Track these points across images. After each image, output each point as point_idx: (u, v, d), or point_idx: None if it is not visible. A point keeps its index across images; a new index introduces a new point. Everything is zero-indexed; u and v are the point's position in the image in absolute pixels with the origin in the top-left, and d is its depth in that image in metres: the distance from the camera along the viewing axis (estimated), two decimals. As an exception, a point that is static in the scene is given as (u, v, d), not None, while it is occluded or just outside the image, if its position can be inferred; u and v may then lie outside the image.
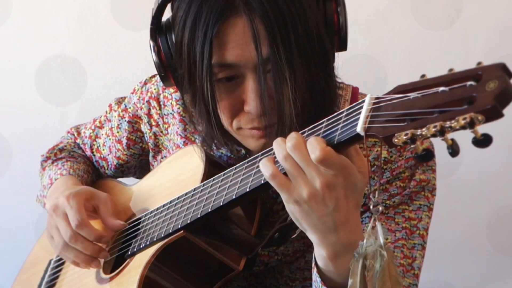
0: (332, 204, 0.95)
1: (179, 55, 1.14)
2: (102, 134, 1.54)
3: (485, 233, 2.46)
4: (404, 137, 0.82)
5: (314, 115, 1.09)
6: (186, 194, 1.20)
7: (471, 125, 0.77)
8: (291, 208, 0.98)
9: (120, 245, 1.33)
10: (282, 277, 1.34)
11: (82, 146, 1.59)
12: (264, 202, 1.25)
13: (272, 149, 1.01)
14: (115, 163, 1.53)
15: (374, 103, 0.90)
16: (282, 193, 0.97)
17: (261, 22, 1.06)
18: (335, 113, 0.97)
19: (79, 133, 1.60)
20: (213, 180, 1.16)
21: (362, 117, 0.90)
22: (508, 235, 2.48)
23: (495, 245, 2.46)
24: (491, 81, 0.78)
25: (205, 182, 1.18)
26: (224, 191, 1.11)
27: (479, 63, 0.81)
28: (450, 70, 0.84)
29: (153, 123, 1.42)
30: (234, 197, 1.08)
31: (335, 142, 0.94)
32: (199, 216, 1.13)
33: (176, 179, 1.30)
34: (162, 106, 1.40)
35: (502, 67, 0.79)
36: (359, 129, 0.89)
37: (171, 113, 1.39)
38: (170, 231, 1.18)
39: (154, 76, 1.44)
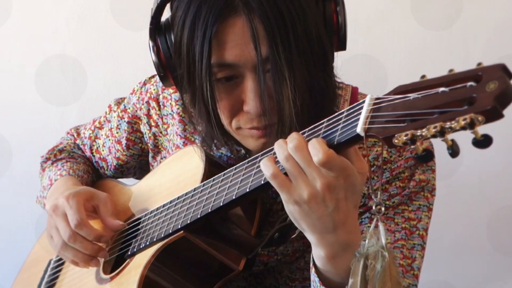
0: (332, 205, 0.96)
1: (178, 55, 1.14)
2: (102, 135, 1.54)
3: (485, 233, 2.46)
4: (404, 138, 0.82)
5: (314, 114, 1.09)
6: (186, 194, 1.20)
7: (471, 125, 0.77)
8: (290, 209, 0.98)
9: (120, 245, 1.33)
10: (282, 277, 1.34)
11: (81, 146, 1.59)
12: (264, 202, 1.25)
13: (272, 149, 1.01)
14: (114, 164, 1.53)
15: (374, 104, 0.90)
16: (282, 193, 0.98)
17: (260, 22, 1.06)
18: (335, 114, 0.97)
19: (78, 134, 1.60)
20: (213, 180, 1.16)
21: (362, 117, 0.90)
22: (508, 235, 2.48)
23: (495, 245, 2.46)
24: (491, 81, 0.78)
25: (205, 182, 1.18)
26: (224, 191, 1.11)
27: (479, 64, 0.81)
28: (450, 70, 0.84)
29: (153, 124, 1.42)
30: (234, 197, 1.08)
31: (335, 142, 0.94)
32: (199, 216, 1.13)
33: (176, 179, 1.30)
34: (162, 106, 1.40)
35: (502, 67, 0.79)
36: (359, 129, 0.89)
37: (170, 114, 1.39)
38: (170, 231, 1.18)
39: (153, 76, 1.44)
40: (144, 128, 1.44)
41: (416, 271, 1.21)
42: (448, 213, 2.40)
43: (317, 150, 0.93)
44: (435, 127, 0.80)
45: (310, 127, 1.00)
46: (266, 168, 0.98)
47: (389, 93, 0.89)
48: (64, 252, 1.31)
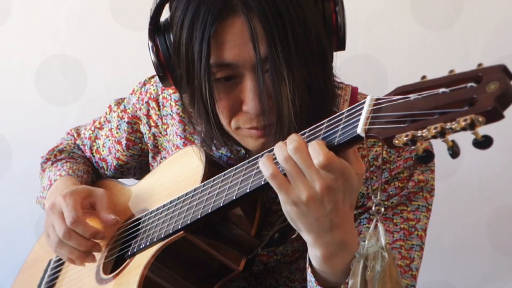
0: (330, 207, 0.96)
1: (177, 55, 1.14)
2: (102, 135, 1.54)
3: (485, 233, 2.46)
4: (405, 139, 0.82)
5: (313, 114, 1.10)
6: (186, 194, 1.20)
7: (471, 126, 0.77)
8: (288, 209, 0.99)
9: (120, 245, 1.33)
10: (282, 278, 1.34)
11: (82, 147, 1.59)
12: (263, 202, 1.25)
13: (272, 150, 1.01)
14: (114, 164, 1.53)
15: (375, 104, 0.90)
16: (281, 194, 0.98)
17: (259, 21, 1.06)
18: (336, 114, 0.97)
19: (79, 134, 1.60)
20: (213, 180, 1.16)
21: (362, 118, 0.90)
22: (508, 235, 2.48)
23: (495, 245, 2.46)
24: (491, 82, 0.78)
25: (205, 182, 1.18)
26: (224, 191, 1.10)
27: (479, 65, 0.81)
28: (451, 71, 0.84)
29: (152, 124, 1.42)
30: (234, 197, 1.08)
31: (336, 143, 0.94)
32: (199, 216, 1.13)
33: (176, 179, 1.30)
34: (161, 107, 1.40)
35: (503, 68, 0.79)
36: (360, 130, 0.89)
37: (170, 114, 1.39)
38: (170, 231, 1.18)
39: (153, 76, 1.44)
40: (144, 128, 1.44)
41: (414, 272, 1.21)
42: (448, 213, 2.40)
43: (317, 152, 0.93)
44: (435, 128, 0.80)
45: (310, 128, 1.00)
46: (265, 167, 0.98)
47: (390, 94, 0.89)
48: (60, 249, 1.31)
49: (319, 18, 1.12)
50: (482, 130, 0.78)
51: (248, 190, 1.05)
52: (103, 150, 1.54)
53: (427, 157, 0.83)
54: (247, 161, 1.09)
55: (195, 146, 1.29)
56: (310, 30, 1.09)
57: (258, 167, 1.04)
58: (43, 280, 1.49)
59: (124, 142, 1.48)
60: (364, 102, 0.92)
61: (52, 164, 1.56)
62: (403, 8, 2.29)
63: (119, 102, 1.51)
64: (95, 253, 1.32)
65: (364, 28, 2.31)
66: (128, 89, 1.50)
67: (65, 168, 1.49)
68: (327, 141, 0.95)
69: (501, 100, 0.76)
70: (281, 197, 0.98)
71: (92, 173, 1.56)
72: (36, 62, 2.35)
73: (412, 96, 0.85)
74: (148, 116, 1.43)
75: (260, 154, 1.06)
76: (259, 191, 1.05)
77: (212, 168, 1.23)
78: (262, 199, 1.25)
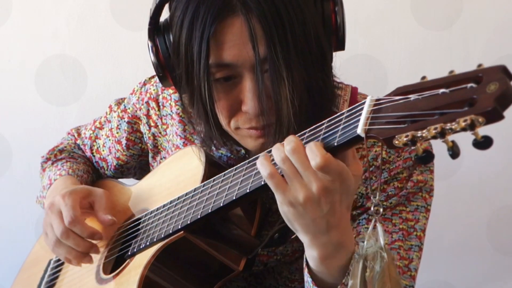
0: (327, 208, 0.97)
1: (177, 55, 1.14)
2: (102, 135, 1.54)
3: (485, 233, 2.46)
4: (405, 139, 0.82)
5: (312, 114, 1.10)
6: (186, 194, 1.20)
7: (471, 127, 0.77)
8: (285, 210, 0.99)
9: (120, 245, 1.33)
10: (282, 278, 1.34)
11: (82, 147, 1.59)
12: (263, 202, 1.25)
13: (271, 151, 1.01)
14: (114, 164, 1.53)
15: (375, 105, 0.90)
16: (278, 194, 0.98)
17: (258, 21, 1.06)
18: (336, 115, 0.97)
19: (79, 134, 1.60)
20: (213, 180, 1.16)
21: (362, 118, 0.90)
22: (508, 235, 2.48)
23: (495, 245, 2.47)
24: (491, 83, 0.78)
25: (205, 182, 1.18)
26: (224, 192, 1.10)
27: (479, 65, 0.81)
28: (451, 72, 0.84)
29: (152, 124, 1.42)
30: (234, 197, 1.08)
31: (336, 143, 0.94)
32: (199, 216, 1.13)
33: (176, 179, 1.30)
34: (161, 107, 1.40)
35: (503, 69, 0.79)
36: (360, 130, 0.89)
37: (169, 114, 1.39)
38: (170, 231, 1.18)
39: (153, 76, 1.44)
40: (143, 128, 1.44)
41: (413, 272, 1.21)
42: (448, 213, 2.40)
43: (315, 154, 0.93)
44: (435, 128, 0.80)
45: (310, 128, 1.00)
46: (263, 167, 0.99)
47: (390, 94, 0.89)
48: (57, 249, 1.31)
49: (319, 18, 1.12)
50: (482, 130, 0.78)
51: (248, 190, 1.05)
52: (103, 150, 1.54)
53: (427, 157, 0.83)
54: (247, 161, 1.09)
55: (195, 146, 1.29)
56: (309, 30, 1.09)
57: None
58: (43, 280, 1.49)
59: (124, 142, 1.48)
60: (364, 103, 0.92)
61: (52, 163, 1.56)
62: (403, 8, 2.29)
63: (119, 102, 1.52)
64: (93, 255, 1.32)
65: (364, 28, 2.31)
66: (128, 89, 1.50)
67: (65, 168, 1.49)
68: (327, 141, 0.95)
69: (501, 100, 0.77)
70: (278, 198, 0.99)
71: (92, 173, 1.56)
72: (36, 62, 2.35)
73: (412, 97, 0.85)
74: (148, 116, 1.43)
75: (260, 154, 1.06)
76: (259, 191, 1.05)
77: (212, 168, 1.23)
78: (262, 199, 1.25)
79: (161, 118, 1.41)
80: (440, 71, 0.87)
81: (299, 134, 1.01)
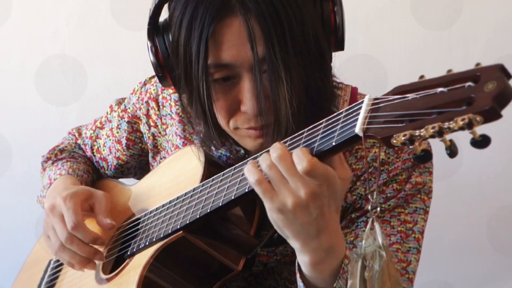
0: (316, 212, 0.97)
1: (176, 55, 1.14)
2: (103, 135, 1.54)
3: (485, 233, 2.46)
4: (403, 138, 0.82)
5: (311, 114, 1.10)
6: (185, 194, 1.20)
7: (469, 126, 0.77)
8: (274, 217, 1.00)
9: (120, 245, 1.33)
10: (281, 279, 1.34)
11: (83, 146, 1.59)
12: (263, 202, 1.25)
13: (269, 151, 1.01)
14: (115, 164, 1.53)
15: (373, 104, 0.90)
16: (266, 201, 0.99)
17: (257, 22, 1.06)
18: (334, 114, 0.97)
19: (80, 134, 1.60)
20: (212, 180, 1.15)
21: (360, 118, 0.90)
22: (508, 235, 2.48)
23: (495, 245, 2.46)
24: (489, 82, 0.78)
25: (204, 182, 1.18)
26: (223, 191, 1.10)
27: (477, 64, 0.81)
28: (449, 71, 0.84)
29: (152, 124, 1.42)
30: (233, 197, 1.08)
31: (334, 143, 0.94)
32: (198, 216, 1.13)
33: (175, 179, 1.30)
34: (161, 107, 1.40)
35: (501, 68, 0.79)
36: (358, 130, 0.89)
37: (169, 114, 1.39)
38: (169, 231, 1.18)
39: (153, 76, 1.44)
40: (143, 128, 1.44)
41: (411, 275, 1.21)
42: (448, 213, 2.40)
43: (301, 158, 0.94)
44: (433, 127, 0.80)
45: (309, 127, 1.00)
46: (250, 173, 0.99)
47: (388, 94, 0.89)
48: (61, 253, 1.31)
49: (317, 18, 1.12)
50: (482, 129, 0.78)
51: (246, 190, 1.05)
52: (103, 150, 1.54)
53: (425, 156, 0.83)
54: (246, 161, 1.09)
55: (194, 146, 1.29)
56: (308, 30, 1.09)
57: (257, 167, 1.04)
58: (43, 280, 1.50)
59: (124, 141, 1.48)
60: (362, 102, 0.92)
61: (52, 163, 1.56)
62: (403, 8, 2.29)
63: (120, 102, 1.52)
64: (96, 261, 1.32)
65: (364, 28, 2.31)
66: (128, 89, 1.50)
67: (65, 168, 1.49)
68: (325, 140, 0.96)
69: (498, 99, 0.76)
70: (266, 205, 0.99)
71: (92, 173, 1.56)
72: (36, 62, 2.35)
73: (410, 96, 0.85)
74: (147, 116, 1.43)
75: (259, 153, 1.06)
76: (258, 191, 1.05)
77: (212, 168, 1.23)
78: (261, 199, 1.25)
79: (160, 118, 1.41)
80: (440, 71, 0.87)
81: (297, 133, 1.01)
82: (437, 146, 0.95)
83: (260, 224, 1.24)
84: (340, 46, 1.15)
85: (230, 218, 1.19)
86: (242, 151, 1.28)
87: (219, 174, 1.14)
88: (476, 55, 2.29)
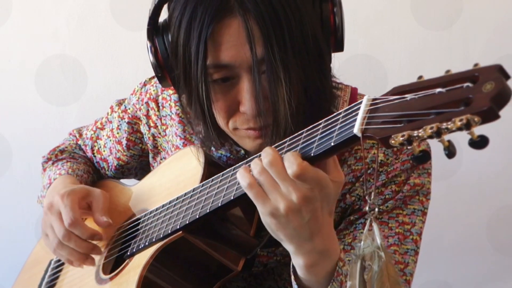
0: (308, 216, 0.97)
1: (175, 55, 1.14)
2: (103, 136, 1.54)
3: (485, 233, 2.46)
4: (401, 138, 0.82)
5: (310, 115, 1.09)
6: (185, 194, 1.20)
7: (467, 126, 0.77)
8: (267, 221, 1.00)
9: (120, 245, 1.33)
10: (281, 280, 1.34)
11: (83, 147, 1.59)
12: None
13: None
14: (115, 164, 1.53)
15: (371, 105, 0.90)
16: (258, 205, 0.99)
17: (256, 22, 1.06)
18: (333, 115, 0.97)
19: (81, 135, 1.61)
20: (212, 180, 1.15)
21: (359, 118, 0.90)
22: (508, 235, 2.48)
23: (495, 245, 2.47)
24: (487, 82, 0.78)
25: (204, 182, 1.18)
26: (222, 192, 1.10)
27: (476, 65, 0.81)
28: (447, 71, 0.84)
29: (152, 124, 1.42)
30: (232, 197, 1.08)
31: (333, 143, 0.94)
32: (197, 216, 1.13)
33: (175, 179, 1.30)
34: (161, 107, 1.40)
35: (499, 68, 0.79)
36: (356, 130, 0.89)
37: (169, 115, 1.39)
38: (169, 231, 1.18)
39: (153, 77, 1.44)
40: (143, 128, 1.44)
41: (408, 277, 1.21)
42: (448, 213, 2.40)
43: (291, 162, 0.95)
44: (431, 128, 0.80)
45: (308, 128, 1.00)
46: (242, 178, 1.00)
47: (386, 94, 0.89)
48: (59, 250, 1.31)
49: (317, 19, 1.12)
50: (482, 129, 0.78)
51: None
52: (104, 150, 1.54)
53: (424, 157, 0.83)
54: (245, 161, 1.09)
55: (194, 146, 1.29)
56: (307, 31, 1.09)
57: None
58: (43, 281, 1.50)
59: (124, 142, 1.48)
60: (361, 102, 0.92)
61: (53, 163, 1.56)
62: (403, 8, 2.29)
63: (120, 103, 1.52)
64: (95, 256, 1.32)
65: (364, 28, 2.31)
66: (128, 89, 1.51)
67: (65, 168, 1.49)
68: (324, 141, 0.96)
69: (497, 100, 0.76)
70: (259, 209, 1.00)
71: (92, 173, 1.56)
72: (36, 62, 2.35)
73: (409, 96, 0.85)
74: (147, 116, 1.43)
75: (258, 154, 1.06)
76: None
77: (211, 168, 1.23)
78: None
79: (160, 119, 1.41)
80: (440, 71, 0.87)
81: (296, 134, 1.01)
82: (436, 147, 0.96)
83: (260, 225, 1.23)
84: (340, 47, 1.15)
85: (229, 218, 1.19)
86: (242, 151, 1.28)
87: (218, 175, 1.14)
88: (476, 55, 2.29)
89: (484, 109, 0.76)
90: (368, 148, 1.23)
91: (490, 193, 2.44)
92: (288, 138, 1.02)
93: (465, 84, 0.80)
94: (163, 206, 1.25)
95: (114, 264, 1.33)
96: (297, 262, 1.04)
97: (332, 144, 0.94)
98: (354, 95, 1.27)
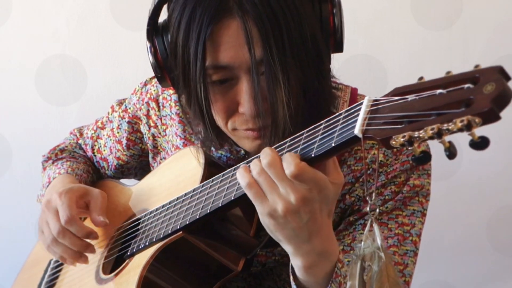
0: (307, 217, 0.97)
1: (174, 56, 1.14)
2: (104, 135, 1.54)
3: (485, 233, 2.46)
4: (402, 139, 0.82)
5: (309, 116, 1.10)
6: (185, 195, 1.20)
7: (468, 127, 0.77)
8: (266, 221, 1.00)
9: (120, 245, 1.33)
10: (280, 280, 1.34)
11: (83, 146, 1.59)
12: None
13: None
14: (115, 164, 1.53)
15: (372, 105, 0.90)
16: (257, 205, 0.99)
17: (254, 24, 1.06)
18: (333, 115, 0.97)
19: (81, 134, 1.61)
20: (212, 181, 1.15)
21: (360, 119, 0.90)
22: (508, 235, 2.48)
23: (495, 245, 2.47)
24: (488, 83, 0.78)
25: (204, 183, 1.18)
26: (222, 192, 1.10)
27: (476, 66, 0.81)
28: (448, 72, 0.84)
29: (152, 124, 1.42)
30: (232, 198, 1.08)
31: (333, 144, 0.94)
32: (197, 217, 1.13)
33: (175, 179, 1.30)
34: (161, 107, 1.40)
35: (500, 69, 0.79)
36: (357, 131, 0.89)
37: (169, 115, 1.39)
38: (169, 232, 1.18)
39: (154, 77, 1.43)
40: (143, 128, 1.44)
41: (407, 278, 1.21)
42: (448, 213, 2.40)
43: (289, 163, 0.95)
44: (432, 129, 0.80)
45: (308, 128, 1.00)
46: (241, 177, 1.00)
47: (387, 95, 0.89)
48: (53, 247, 1.31)
49: (316, 20, 1.12)
50: (482, 130, 0.78)
51: None
52: (104, 150, 1.54)
53: (424, 158, 0.83)
54: (245, 161, 1.09)
55: (195, 146, 1.29)
56: (306, 32, 1.09)
57: None
58: (43, 280, 1.50)
59: (124, 142, 1.48)
60: (361, 103, 0.92)
61: (53, 163, 1.56)
62: (403, 8, 2.29)
63: (121, 102, 1.52)
64: (89, 255, 1.32)
65: (364, 28, 2.31)
66: (128, 89, 1.51)
67: (64, 167, 1.49)
68: (324, 141, 0.96)
69: (497, 101, 0.76)
70: (258, 209, 1.00)
71: (92, 173, 1.56)
72: (36, 62, 2.35)
73: (410, 97, 0.85)
74: (148, 116, 1.43)
75: (258, 154, 1.06)
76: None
77: (211, 168, 1.23)
78: None
79: (160, 119, 1.41)
80: (440, 71, 0.87)
81: (297, 134, 1.01)
82: (436, 147, 0.96)
83: (260, 225, 1.23)
84: (339, 48, 1.15)
85: (229, 218, 1.19)
86: (242, 151, 1.28)
87: (219, 175, 1.14)
88: (476, 55, 2.29)
89: (485, 110, 0.76)
90: (368, 149, 1.23)
91: (490, 193, 2.44)
92: (289, 139, 1.02)
93: (466, 85, 0.80)
94: (163, 206, 1.25)
95: (114, 264, 1.33)
96: (296, 263, 1.04)
97: (333, 144, 0.94)
98: (354, 96, 1.27)
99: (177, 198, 1.22)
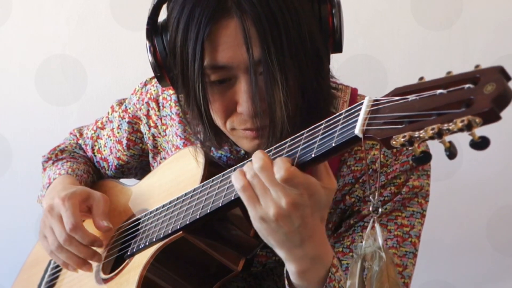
0: (298, 222, 0.98)
1: (173, 55, 1.14)
2: (104, 135, 1.54)
3: (485, 233, 2.46)
4: (402, 139, 0.82)
5: (308, 116, 1.10)
6: (185, 195, 1.20)
7: (468, 127, 0.77)
8: (258, 226, 1.00)
9: (120, 245, 1.33)
10: (281, 281, 1.34)
11: (84, 146, 1.59)
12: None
13: (269, 152, 1.02)
14: (115, 164, 1.53)
15: (373, 105, 0.90)
16: (249, 208, 1.00)
17: (253, 24, 1.06)
18: (334, 115, 0.97)
19: (81, 134, 1.61)
20: (212, 181, 1.16)
21: (360, 119, 0.90)
22: (508, 235, 2.48)
23: (495, 245, 2.46)
24: (488, 83, 0.78)
25: (204, 183, 1.18)
26: (223, 192, 1.11)
27: (477, 66, 0.81)
28: (448, 72, 0.84)
29: (152, 124, 1.42)
30: (233, 198, 1.08)
31: (334, 144, 0.94)
32: (198, 217, 1.13)
33: (175, 179, 1.30)
34: (161, 107, 1.40)
35: (500, 70, 0.79)
36: (357, 131, 0.89)
37: (169, 115, 1.39)
38: (169, 232, 1.18)
39: (154, 77, 1.43)
40: (143, 128, 1.44)
41: (406, 279, 1.21)
42: (448, 213, 2.40)
43: (279, 167, 0.95)
44: (432, 129, 0.80)
45: (309, 128, 1.00)
46: (236, 180, 1.00)
47: (387, 95, 0.89)
48: (58, 254, 1.31)
49: (315, 20, 1.12)
50: (482, 130, 0.78)
51: None
52: (104, 150, 1.54)
53: (424, 158, 0.83)
54: (245, 161, 1.09)
55: (194, 146, 1.29)
56: (305, 32, 1.09)
57: None
58: (43, 280, 1.50)
59: (124, 142, 1.48)
60: (362, 103, 0.92)
61: (53, 163, 1.56)
62: (403, 8, 2.29)
63: (121, 102, 1.52)
64: (92, 262, 1.32)
65: (364, 28, 2.31)
66: (128, 89, 1.51)
67: (64, 168, 1.49)
68: (325, 141, 0.96)
69: (498, 101, 0.76)
70: (250, 213, 1.00)
71: (92, 173, 1.56)
72: (36, 62, 2.35)
73: (410, 97, 0.85)
74: (148, 116, 1.43)
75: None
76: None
77: (212, 168, 1.23)
78: None
79: (160, 119, 1.41)
80: (440, 71, 0.87)
81: (298, 134, 1.01)
82: (436, 147, 0.96)
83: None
84: (338, 48, 1.15)
85: (229, 218, 1.19)
86: (242, 151, 1.28)
87: (219, 175, 1.14)
88: (476, 55, 2.29)
89: (485, 110, 0.76)
90: (368, 149, 1.23)
91: (490, 193, 2.44)
92: (289, 139, 1.02)
93: (466, 85, 0.80)
94: (163, 206, 1.25)
95: (114, 264, 1.33)
96: (289, 268, 1.04)
97: (333, 144, 0.94)
98: (354, 96, 1.27)
99: (177, 198, 1.22)
